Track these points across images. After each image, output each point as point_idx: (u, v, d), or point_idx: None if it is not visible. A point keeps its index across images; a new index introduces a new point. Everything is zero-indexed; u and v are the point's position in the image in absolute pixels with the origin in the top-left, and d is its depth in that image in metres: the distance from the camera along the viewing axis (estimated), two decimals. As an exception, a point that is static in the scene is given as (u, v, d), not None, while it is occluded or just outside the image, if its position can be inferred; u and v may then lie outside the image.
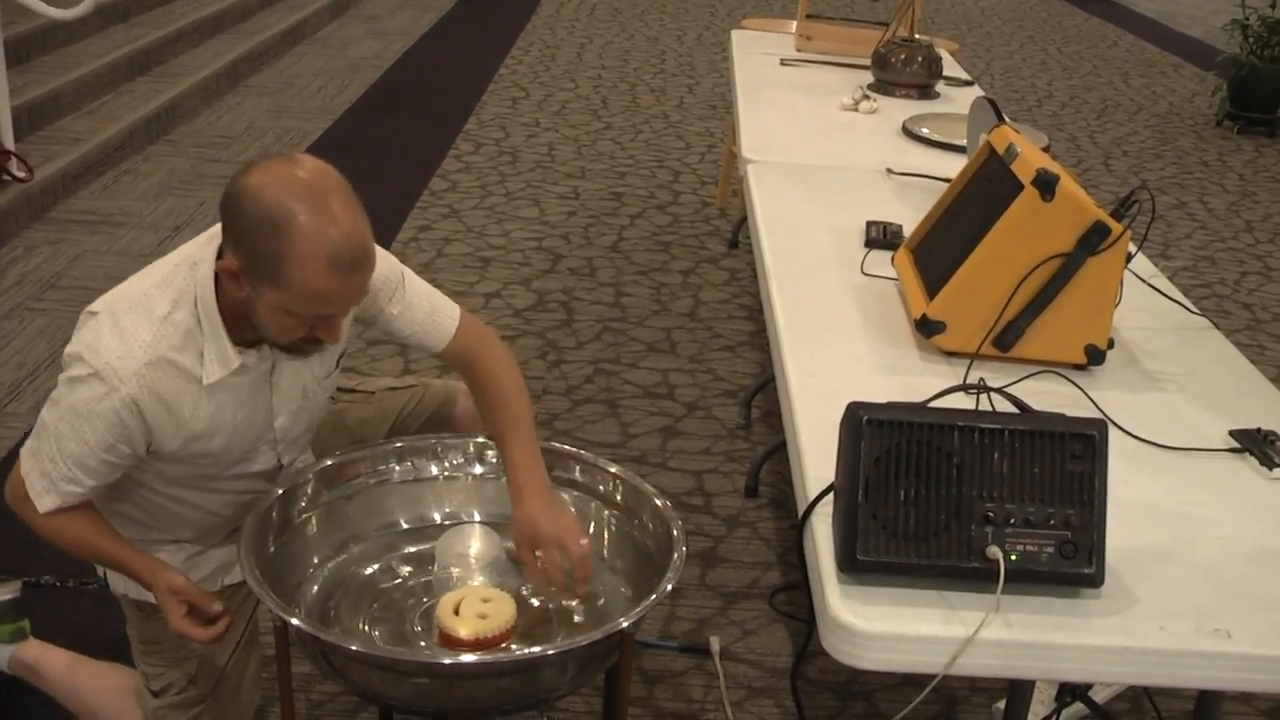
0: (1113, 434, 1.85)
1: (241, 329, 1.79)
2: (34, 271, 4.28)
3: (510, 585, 1.93)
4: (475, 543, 1.96)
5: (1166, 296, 2.43)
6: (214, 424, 1.82)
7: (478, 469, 2.09)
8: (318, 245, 1.62)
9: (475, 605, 1.79)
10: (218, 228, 1.77)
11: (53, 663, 2.33)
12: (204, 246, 1.80)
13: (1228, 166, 6.63)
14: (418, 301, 2.00)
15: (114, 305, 1.77)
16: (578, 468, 2.06)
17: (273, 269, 1.64)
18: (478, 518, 2.07)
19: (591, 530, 2.04)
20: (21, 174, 4.68)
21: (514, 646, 1.81)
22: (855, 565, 1.48)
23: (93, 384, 1.72)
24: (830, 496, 1.62)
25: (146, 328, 1.74)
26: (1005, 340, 2.06)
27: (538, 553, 1.89)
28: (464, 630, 1.75)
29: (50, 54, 5.99)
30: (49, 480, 1.79)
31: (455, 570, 1.93)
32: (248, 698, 2.08)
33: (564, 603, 1.93)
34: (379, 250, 1.96)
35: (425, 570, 1.97)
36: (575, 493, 2.06)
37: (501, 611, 1.80)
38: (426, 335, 2.02)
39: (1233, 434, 1.91)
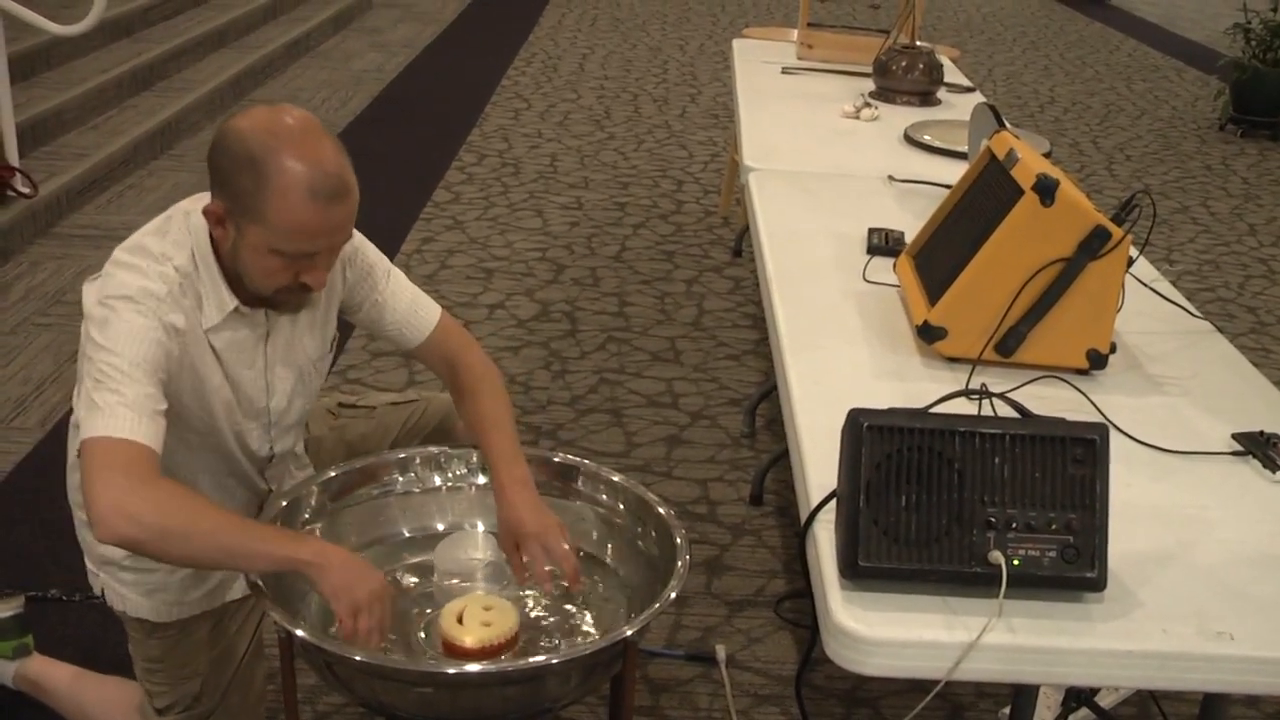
0: (1115, 437, 1.85)
1: (237, 287, 1.81)
2: (39, 287, 4.29)
3: (510, 592, 1.94)
4: (472, 551, 1.96)
5: (1168, 300, 2.43)
6: (216, 376, 1.83)
7: (481, 479, 2.10)
8: (297, 176, 1.66)
9: (478, 613, 1.80)
10: (199, 195, 1.81)
11: (57, 678, 2.33)
12: (196, 200, 1.82)
13: (1231, 170, 6.63)
14: (402, 292, 2.05)
15: (114, 257, 1.78)
16: (581, 477, 2.07)
17: (254, 203, 1.68)
18: (480, 528, 2.08)
19: (595, 538, 2.05)
20: (26, 190, 4.69)
21: (518, 653, 1.82)
22: (857, 571, 1.49)
23: (126, 308, 1.70)
24: (832, 503, 1.62)
25: (154, 267, 1.75)
26: (1007, 346, 2.07)
27: (525, 559, 1.92)
28: (468, 639, 1.76)
29: (54, 70, 6.01)
30: (123, 410, 1.65)
31: (454, 579, 1.94)
32: (254, 713, 2.08)
33: (556, 601, 1.95)
34: (367, 242, 1.98)
35: (428, 580, 1.98)
36: (579, 502, 2.06)
37: (505, 619, 1.80)
38: (408, 326, 2.05)
39: (1235, 437, 1.91)
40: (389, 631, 1.73)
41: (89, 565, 2.03)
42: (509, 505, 1.92)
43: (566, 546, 1.89)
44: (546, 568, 1.89)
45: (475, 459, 2.10)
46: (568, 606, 1.97)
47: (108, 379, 1.66)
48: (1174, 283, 2.53)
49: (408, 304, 2.05)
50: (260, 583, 1.71)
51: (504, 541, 1.94)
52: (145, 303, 1.71)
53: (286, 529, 1.77)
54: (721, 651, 2.69)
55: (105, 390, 1.65)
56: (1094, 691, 2.30)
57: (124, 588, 1.96)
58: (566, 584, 1.90)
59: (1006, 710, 2.56)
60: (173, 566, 1.95)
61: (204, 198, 1.81)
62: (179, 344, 1.75)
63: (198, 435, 1.87)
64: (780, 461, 3.38)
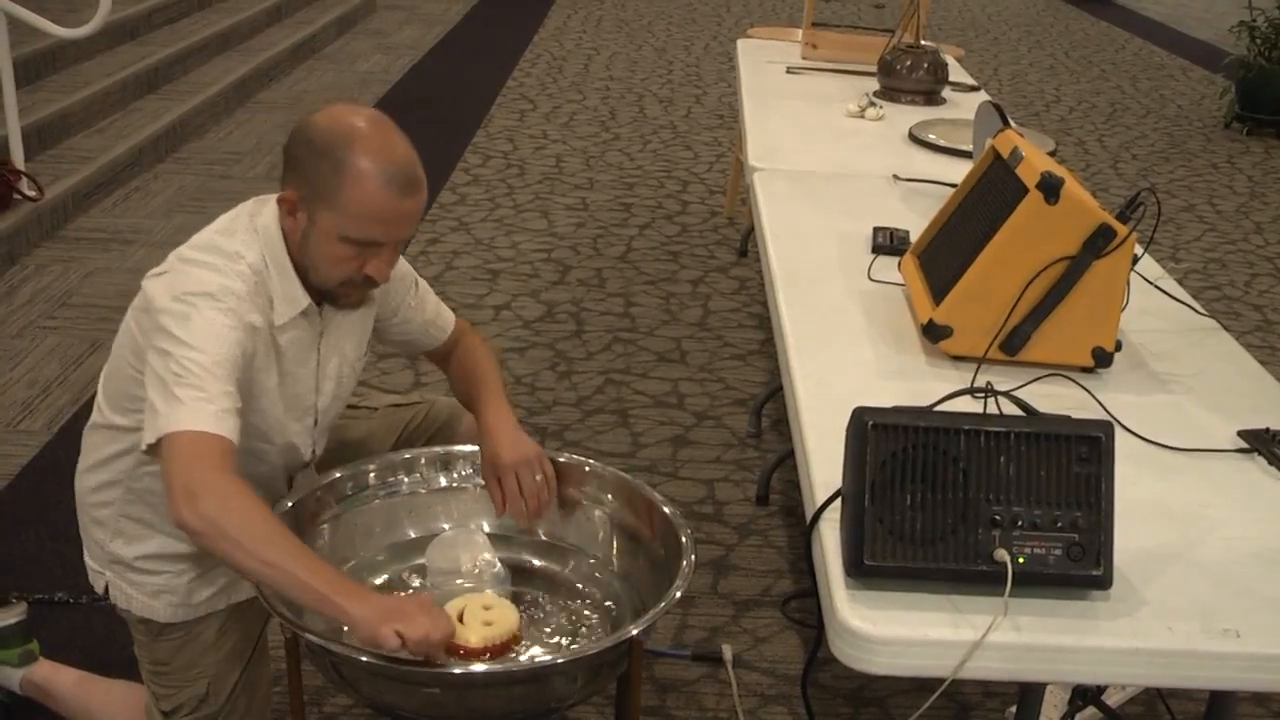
0: (1120, 435, 1.85)
1: (304, 285, 1.87)
2: (45, 290, 4.30)
3: (505, 590, 1.93)
4: (463, 551, 1.96)
5: (1173, 298, 2.42)
6: (273, 377, 1.86)
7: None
8: (374, 163, 1.75)
9: (478, 613, 1.80)
10: (263, 197, 1.88)
11: (63, 683, 2.33)
12: (259, 202, 1.88)
13: (1237, 168, 6.62)
14: (429, 297, 2.17)
15: (183, 254, 1.83)
16: (587, 477, 2.07)
17: (331, 188, 1.75)
18: (486, 528, 2.08)
19: (600, 539, 2.05)
20: (32, 193, 4.70)
21: (522, 650, 1.82)
22: (863, 570, 1.49)
23: (207, 305, 1.73)
24: (838, 502, 1.62)
25: (230, 266, 1.80)
26: (1012, 344, 2.06)
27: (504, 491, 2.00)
28: (473, 638, 1.76)
29: (59, 73, 6.02)
30: (207, 405, 1.66)
31: (446, 579, 1.93)
32: (260, 714, 2.08)
33: (560, 601, 1.97)
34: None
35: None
36: (585, 502, 2.07)
37: (506, 617, 1.80)
38: (433, 327, 2.17)
39: (1241, 434, 1.91)
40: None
41: (92, 564, 2.03)
42: (489, 440, 2.01)
43: (540, 478, 1.98)
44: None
45: (480, 459, 2.10)
46: (573, 603, 1.97)
47: (189, 374, 1.68)
48: (1180, 281, 2.53)
49: (433, 309, 2.16)
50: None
51: (486, 476, 2.02)
52: (227, 301, 1.75)
53: (343, 575, 1.68)
54: (728, 651, 2.69)
55: (187, 386, 1.67)
56: (1101, 690, 2.30)
57: (130, 588, 1.97)
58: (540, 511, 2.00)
59: (1013, 709, 2.56)
60: (180, 570, 1.97)
61: (266, 199, 1.87)
62: (253, 343, 1.80)
63: (248, 438, 1.88)
64: (786, 461, 3.38)
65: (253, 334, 1.79)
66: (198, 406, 1.66)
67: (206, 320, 1.72)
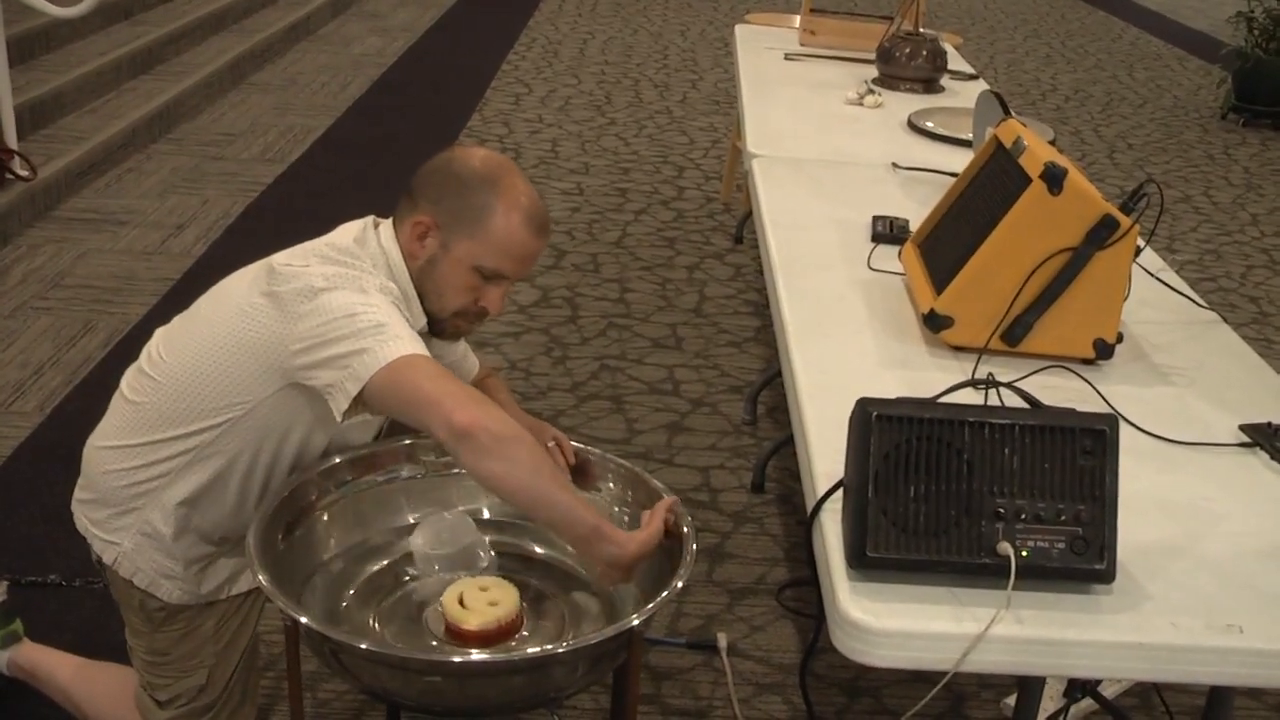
0: (1122, 429, 1.84)
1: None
2: (38, 270, 4.27)
3: (487, 568, 1.92)
4: (448, 534, 1.94)
5: (1175, 290, 2.42)
6: None
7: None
8: (521, 200, 1.87)
9: (478, 595, 1.78)
10: (374, 218, 1.93)
11: (52, 665, 2.32)
12: (375, 221, 1.92)
13: (1233, 160, 6.62)
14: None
15: (319, 250, 1.85)
16: (585, 464, 2.06)
17: (477, 218, 1.84)
18: (486, 514, 2.07)
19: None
20: (25, 173, 4.68)
21: (524, 631, 1.81)
22: (865, 562, 1.48)
23: (374, 294, 1.77)
24: (839, 493, 1.62)
25: (370, 277, 1.82)
26: (1013, 335, 2.06)
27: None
28: (474, 621, 1.74)
29: (53, 52, 5.99)
30: (412, 341, 1.72)
31: (433, 564, 1.92)
32: (252, 702, 2.07)
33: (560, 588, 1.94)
34: None
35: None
36: (586, 489, 2.05)
37: (507, 597, 1.79)
38: (458, 368, 2.14)
39: (1243, 428, 1.91)
40: None
41: (101, 535, 1.93)
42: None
43: (553, 443, 2.01)
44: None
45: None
46: (573, 591, 1.97)
47: (387, 326, 1.71)
48: (1177, 272, 2.53)
49: (462, 349, 2.17)
50: (262, 571, 1.70)
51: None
52: (388, 294, 1.80)
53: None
54: (723, 640, 2.69)
55: (390, 327, 1.71)
56: (1098, 682, 2.30)
57: (144, 560, 1.92)
58: None
59: (1008, 700, 2.56)
60: (190, 559, 1.93)
61: (377, 220, 1.92)
62: None
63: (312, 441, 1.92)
64: (782, 449, 3.37)
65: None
66: (406, 341, 1.70)
67: (378, 296, 1.77)
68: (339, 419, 1.73)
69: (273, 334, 1.77)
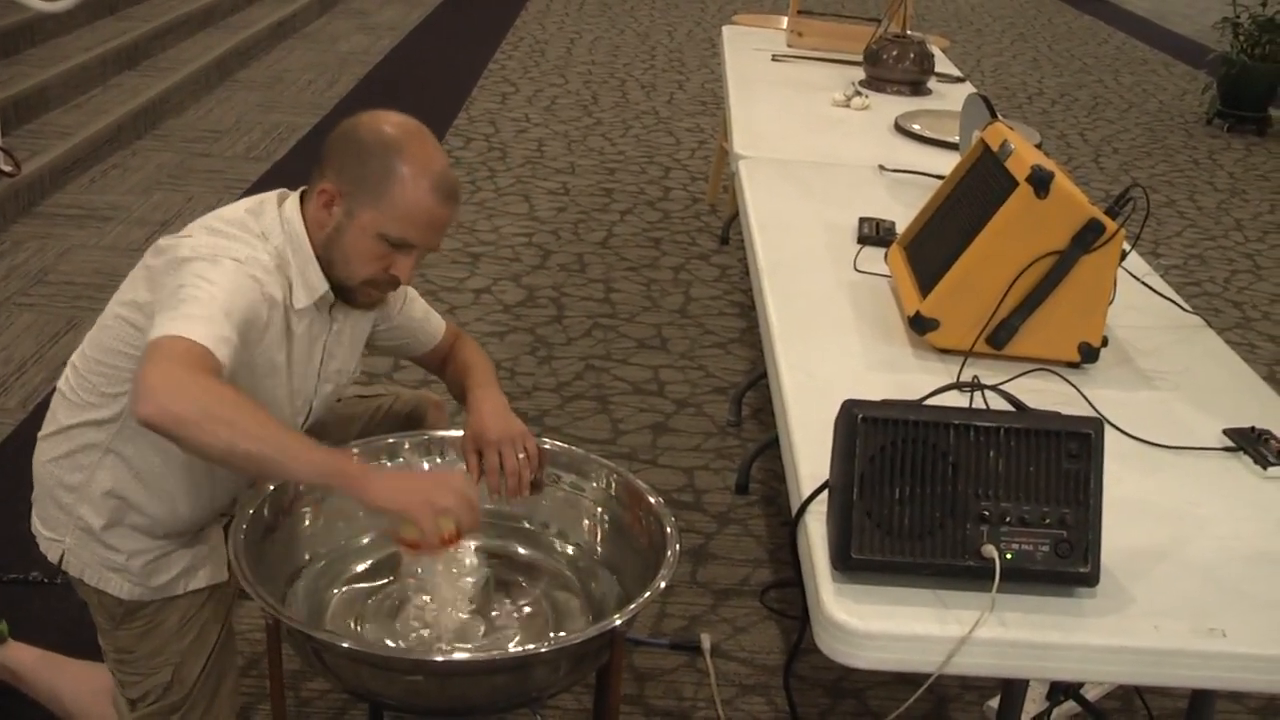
0: (1107, 433, 1.84)
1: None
2: (21, 266, 4.25)
3: (474, 569, 1.91)
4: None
5: (1159, 294, 2.43)
6: (281, 355, 1.86)
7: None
8: (426, 167, 1.82)
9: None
10: (285, 190, 1.92)
11: (30, 664, 2.30)
12: (282, 194, 1.91)
13: (1218, 165, 6.64)
14: (416, 300, 2.16)
15: (210, 224, 1.83)
16: (568, 464, 2.05)
17: (380, 186, 1.80)
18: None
19: (585, 526, 2.04)
20: (9, 168, 4.64)
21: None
22: (850, 564, 1.48)
23: (233, 267, 1.74)
24: (824, 494, 1.61)
25: (258, 243, 1.82)
26: (999, 338, 2.06)
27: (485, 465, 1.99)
28: (412, 532, 1.68)
29: (37, 47, 5.96)
30: (203, 324, 1.64)
31: (413, 565, 1.90)
32: (227, 704, 2.04)
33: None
34: None
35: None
36: (566, 489, 2.05)
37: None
38: (421, 333, 2.16)
39: (1227, 433, 1.91)
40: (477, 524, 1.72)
41: (46, 533, 1.96)
42: (475, 414, 2.02)
43: (523, 455, 1.98)
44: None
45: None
46: (555, 591, 1.96)
47: (198, 303, 1.66)
48: (1162, 276, 2.53)
49: (421, 312, 2.16)
50: (243, 569, 1.70)
51: (465, 449, 2.01)
52: (253, 269, 1.77)
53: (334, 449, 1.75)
54: (706, 641, 2.69)
55: (193, 306, 1.65)
56: (1080, 684, 2.30)
57: (88, 555, 1.92)
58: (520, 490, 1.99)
59: (992, 703, 2.56)
60: (132, 551, 1.92)
61: (288, 193, 1.91)
62: (269, 316, 1.80)
63: None
64: (767, 450, 3.37)
65: (271, 306, 1.80)
66: (194, 322, 1.63)
67: (230, 272, 1.73)
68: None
69: (145, 304, 1.79)
